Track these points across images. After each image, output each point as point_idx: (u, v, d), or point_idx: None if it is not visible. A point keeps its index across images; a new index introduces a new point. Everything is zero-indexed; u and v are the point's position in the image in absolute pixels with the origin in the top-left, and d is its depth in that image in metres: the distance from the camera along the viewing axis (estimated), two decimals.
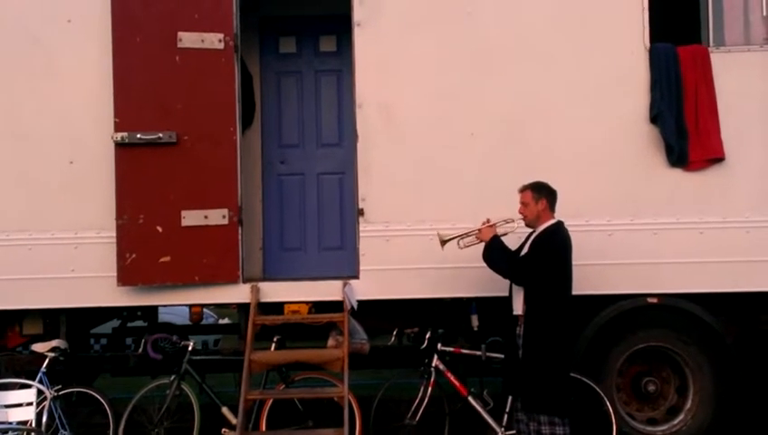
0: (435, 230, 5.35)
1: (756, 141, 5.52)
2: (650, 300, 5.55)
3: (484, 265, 5.06)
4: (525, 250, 4.95)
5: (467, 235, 5.18)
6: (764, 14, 5.62)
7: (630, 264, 5.49)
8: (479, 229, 5.10)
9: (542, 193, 4.94)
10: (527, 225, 5.03)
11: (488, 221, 5.11)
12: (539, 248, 4.82)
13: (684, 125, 5.49)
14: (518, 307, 4.90)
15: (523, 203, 4.99)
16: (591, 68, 5.54)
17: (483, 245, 5.08)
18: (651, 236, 5.51)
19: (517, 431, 5.04)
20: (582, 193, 5.45)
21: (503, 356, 5.27)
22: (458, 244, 5.19)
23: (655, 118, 5.49)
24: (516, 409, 5.04)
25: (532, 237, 4.94)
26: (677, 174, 5.53)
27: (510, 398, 5.17)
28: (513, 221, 5.13)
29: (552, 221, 4.93)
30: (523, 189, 5.00)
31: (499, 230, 5.11)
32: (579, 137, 5.53)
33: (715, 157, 5.49)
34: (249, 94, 6.32)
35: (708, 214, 5.50)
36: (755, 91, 5.53)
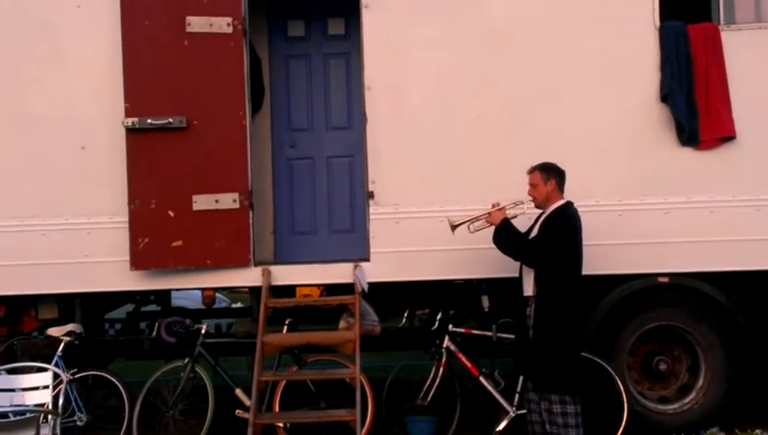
0: (445, 212, 5.36)
1: (767, 120, 5.47)
2: (661, 279, 5.54)
3: (495, 246, 5.07)
4: (535, 231, 4.94)
5: (477, 219, 5.16)
6: None
7: (641, 243, 5.48)
8: (489, 213, 5.08)
9: (550, 173, 4.92)
10: (537, 206, 5.02)
11: (497, 204, 5.09)
12: (549, 229, 4.81)
13: (694, 104, 5.46)
14: (528, 288, 4.90)
15: (531, 184, 4.98)
16: (601, 47, 5.51)
17: (493, 228, 5.08)
18: (662, 216, 5.49)
19: (528, 411, 5.07)
20: (593, 173, 5.44)
21: (513, 337, 5.29)
22: (468, 228, 5.19)
23: (665, 97, 5.47)
24: (527, 389, 5.06)
25: (542, 218, 4.93)
26: (688, 153, 5.51)
27: (521, 378, 5.20)
28: (522, 203, 5.11)
29: (561, 202, 4.92)
30: (532, 171, 4.98)
31: (509, 213, 5.09)
32: (588, 117, 5.51)
33: (725, 135, 5.46)
34: (258, 78, 6.32)
35: (719, 193, 5.48)
36: (767, 69, 5.48)
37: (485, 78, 5.56)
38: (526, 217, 5.14)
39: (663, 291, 5.60)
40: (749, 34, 5.52)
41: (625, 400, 5.41)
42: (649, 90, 5.51)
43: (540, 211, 5.03)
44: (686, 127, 5.44)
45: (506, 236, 4.98)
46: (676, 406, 5.68)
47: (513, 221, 5.08)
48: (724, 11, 5.62)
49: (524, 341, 4.95)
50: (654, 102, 5.51)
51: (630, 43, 5.52)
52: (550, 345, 4.73)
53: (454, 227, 5.17)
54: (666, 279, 5.54)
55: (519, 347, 5.09)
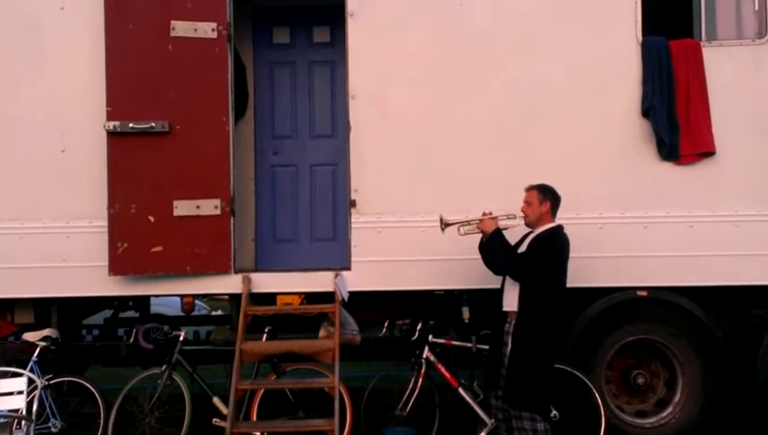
0: (427, 222, 5.38)
1: (747, 136, 5.54)
2: (640, 293, 5.57)
3: (476, 257, 5.06)
4: (523, 249, 4.91)
5: (470, 223, 5.15)
6: (756, 8, 5.62)
7: (621, 257, 5.51)
8: (481, 220, 5.05)
9: (547, 195, 4.93)
10: (527, 224, 4.99)
11: (490, 213, 5.05)
12: (541, 248, 4.78)
13: (675, 119, 5.51)
14: (511, 303, 4.85)
15: (527, 202, 4.95)
16: (584, 61, 5.55)
17: (479, 236, 5.06)
18: (641, 230, 5.53)
19: (495, 420, 5.09)
20: (574, 186, 5.43)
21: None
22: (459, 230, 5.17)
23: (647, 111, 5.51)
24: (496, 396, 5.02)
25: (531, 237, 4.91)
26: (668, 168, 5.55)
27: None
28: (515, 217, 5.08)
29: (553, 224, 4.91)
30: (530, 189, 4.98)
31: (501, 223, 5.05)
32: (571, 129, 5.55)
33: (705, 151, 5.51)
34: (242, 85, 6.31)
35: (698, 208, 5.52)
36: (747, 86, 5.55)
37: (470, 89, 5.58)
38: (510, 233, 5.12)
39: (642, 305, 5.62)
40: (730, 51, 5.59)
41: (602, 413, 5.41)
42: (631, 104, 5.56)
43: (527, 230, 5.02)
44: (667, 142, 5.48)
45: (498, 245, 4.93)
46: (653, 420, 5.69)
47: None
48: (706, 27, 5.68)
49: (497, 356, 4.94)
50: (636, 117, 5.56)
51: (613, 58, 5.56)
52: (526, 362, 4.70)
53: (445, 226, 5.14)
54: (645, 293, 5.57)
55: (491, 362, 5.06)
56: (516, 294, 4.81)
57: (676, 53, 5.54)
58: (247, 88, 6.46)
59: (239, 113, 6.24)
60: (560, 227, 4.90)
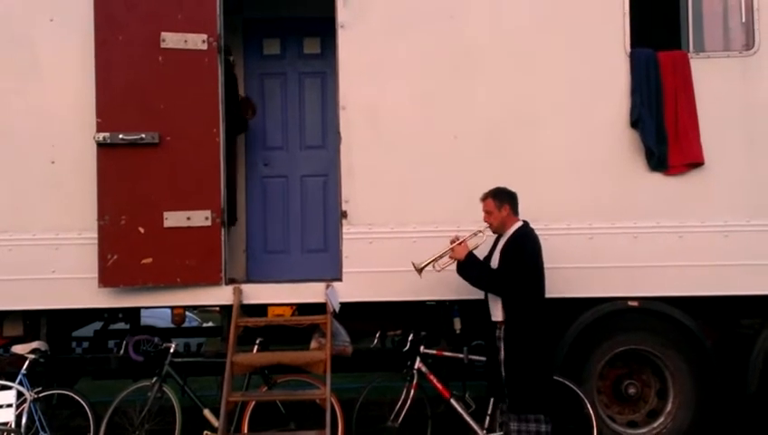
0: (418, 233, 5.43)
1: (735, 147, 5.57)
2: (631, 303, 5.58)
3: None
4: (496, 257, 4.98)
5: (441, 256, 5.17)
6: (743, 20, 5.68)
7: (611, 267, 5.52)
8: (451, 249, 5.09)
9: (503, 199, 4.99)
10: (494, 231, 5.08)
11: (457, 238, 5.11)
12: (511, 255, 4.86)
13: (664, 130, 5.54)
14: (496, 314, 4.94)
15: (486, 212, 5.03)
16: (573, 72, 5.58)
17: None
18: (631, 240, 5.55)
19: (505, 432, 5.08)
20: (564, 197, 5.49)
21: (485, 359, 5.30)
22: (434, 267, 5.19)
23: (635, 122, 5.54)
24: (502, 411, 5.07)
25: (501, 244, 4.98)
26: (657, 178, 5.58)
27: (491, 400, 5.20)
28: (480, 232, 5.16)
29: (517, 224, 4.98)
30: (484, 198, 5.05)
31: (470, 244, 5.10)
32: (560, 140, 5.57)
33: (694, 162, 5.54)
34: (233, 96, 6.30)
35: (687, 218, 5.55)
36: (734, 97, 5.59)
37: (460, 99, 5.59)
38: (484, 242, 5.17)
39: (632, 315, 5.63)
40: (717, 62, 5.63)
41: (594, 423, 5.42)
42: (620, 115, 5.58)
43: (496, 235, 5.08)
44: (656, 152, 5.51)
45: (473, 270, 5.00)
46: (644, 430, 5.70)
47: (474, 251, 5.09)
48: (694, 39, 5.74)
49: (495, 364, 4.96)
50: (624, 127, 5.58)
51: (602, 69, 5.59)
52: (523, 366, 4.77)
53: (419, 271, 5.17)
54: (635, 303, 5.58)
55: (490, 370, 5.09)
56: (500, 305, 4.88)
57: (664, 65, 5.57)
58: (238, 99, 6.45)
59: (232, 126, 6.22)
60: (525, 225, 4.97)
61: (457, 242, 5.09)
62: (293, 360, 5.46)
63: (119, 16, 5.40)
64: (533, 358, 4.76)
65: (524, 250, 4.83)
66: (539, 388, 4.77)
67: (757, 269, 5.50)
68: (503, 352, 4.86)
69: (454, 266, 5.13)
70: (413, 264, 5.18)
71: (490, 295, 5.01)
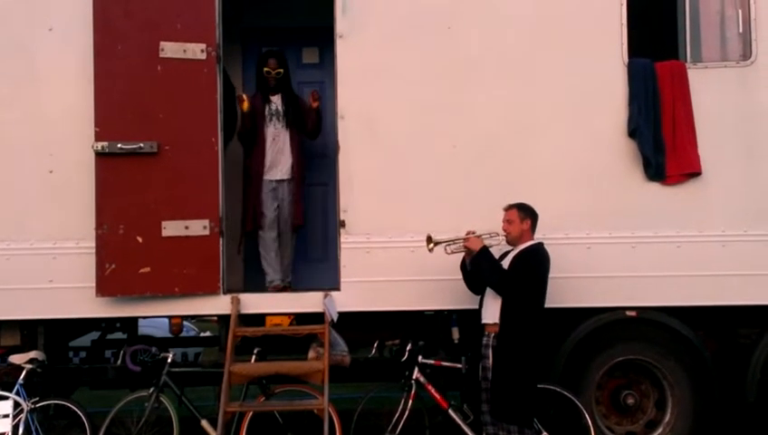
0: (416, 242, 5.38)
1: (732, 156, 5.58)
2: (629, 313, 5.58)
3: (460, 273, 5.13)
4: (505, 264, 4.97)
5: (456, 241, 5.18)
6: (740, 30, 5.69)
7: (609, 277, 5.52)
8: (467, 238, 5.09)
9: (527, 214, 5.03)
10: (508, 242, 5.08)
11: (474, 232, 5.12)
12: (525, 264, 4.87)
13: (661, 140, 5.55)
14: (490, 316, 4.92)
15: (507, 220, 5.05)
16: (571, 82, 5.59)
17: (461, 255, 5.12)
18: (629, 250, 5.54)
19: None
20: (562, 206, 5.49)
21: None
22: (446, 249, 5.20)
23: (633, 132, 5.55)
24: (484, 420, 5.04)
25: (513, 254, 4.99)
26: (655, 188, 5.58)
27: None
28: (497, 235, 5.16)
29: (534, 241, 5.01)
30: (510, 208, 5.07)
31: (485, 242, 5.11)
32: (558, 150, 5.57)
33: (692, 171, 5.55)
34: (232, 105, 6.31)
35: (685, 228, 5.55)
36: (732, 107, 5.60)
37: (458, 109, 5.60)
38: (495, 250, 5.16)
39: (631, 325, 5.63)
40: (715, 72, 5.65)
41: (593, 434, 5.40)
42: (617, 125, 5.59)
43: (508, 248, 5.10)
44: (653, 162, 5.52)
45: (486, 263, 4.97)
46: None
47: None
48: (691, 49, 5.75)
49: (476, 370, 5.01)
50: (622, 137, 5.59)
51: (600, 79, 5.61)
52: (512, 376, 4.76)
53: (432, 245, 5.17)
54: (633, 313, 5.58)
55: (470, 377, 5.13)
56: (498, 308, 4.87)
57: (661, 75, 5.59)
58: (237, 109, 6.46)
59: (228, 134, 6.23)
60: (540, 244, 4.98)
61: (474, 234, 5.09)
62: (291, 370, 5.44)
63: (118, 25, 5.41)
64: (522, 367, 4.75)
65: (538, 264, 4.86)
66: (523, 399, 4.75)
67: (755, 279, 5.51)
68: (491, 359, 4.86)
69: (456, 268, 5.15)
70: (428, 236, 5.17)
71: (489, 296, 4.99)
